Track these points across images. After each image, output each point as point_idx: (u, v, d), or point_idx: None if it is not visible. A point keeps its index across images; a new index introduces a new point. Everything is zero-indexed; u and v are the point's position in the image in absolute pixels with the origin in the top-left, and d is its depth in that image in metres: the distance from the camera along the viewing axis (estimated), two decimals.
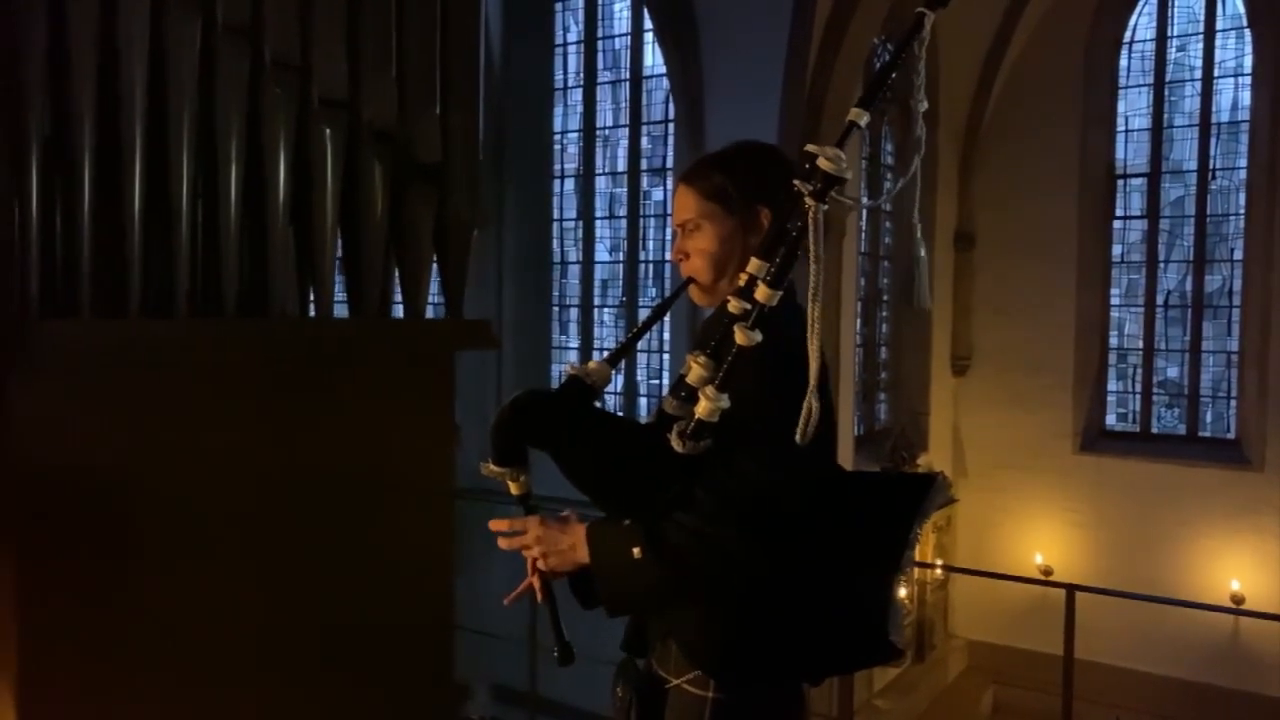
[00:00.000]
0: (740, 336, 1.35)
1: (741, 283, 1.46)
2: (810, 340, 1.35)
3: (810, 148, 1.38)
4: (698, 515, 1.37)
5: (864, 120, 1.42)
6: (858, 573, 1.48)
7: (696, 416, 1.37)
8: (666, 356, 8.19)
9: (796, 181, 1.37)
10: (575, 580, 1.56)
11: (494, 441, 1.52)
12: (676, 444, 1.37)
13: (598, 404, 1.60)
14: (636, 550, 1.39)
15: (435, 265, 3.29)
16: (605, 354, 1.67)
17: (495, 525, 1.58)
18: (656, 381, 8.22)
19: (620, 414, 1.73)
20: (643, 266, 8.45)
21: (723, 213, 1.57)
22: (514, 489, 1.57)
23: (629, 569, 1.41)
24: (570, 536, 1.51)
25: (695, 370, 1.42)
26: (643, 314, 8.51)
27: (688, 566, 1.38)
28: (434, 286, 3.47)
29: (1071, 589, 3.26)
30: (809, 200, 1.34)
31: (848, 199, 1.36)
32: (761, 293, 1.36)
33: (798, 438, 1.34)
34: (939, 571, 8.62)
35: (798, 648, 1.49)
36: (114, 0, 2.44)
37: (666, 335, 8.19)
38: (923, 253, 1.85)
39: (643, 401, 8.30)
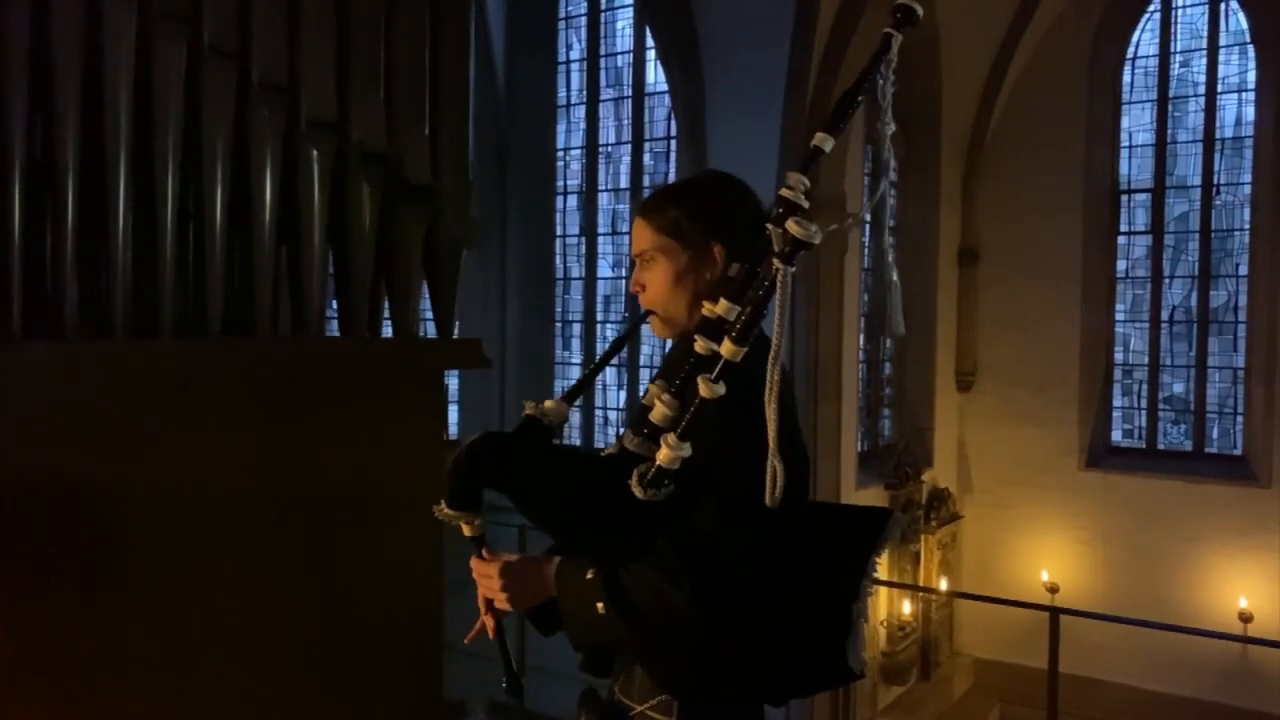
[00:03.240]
0: (704, 389, 1.35)
1: (706, 312, 1.47)
2: (768, 403, 1.34)
3: (785, 192, 1.37)
4: (656, 572, 1.39)
5: (828, 145, 1.42)
6: (818, 602, 1.49)
7: (657, 463, 1.37)
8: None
9: (769, 225, 1.36)
10: (532, 610, 1.58)
11: (450, 485, 1.51)
12: (637, 490, 1.37)
13: (556, 441, 1.61)
14: (600, 606, 1.41)
15: (427, 284, 3.29)
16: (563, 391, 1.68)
17: (476, 565, 1.59)
18: None
19: (578, 448, 1.76)
20: None
21: (677, 247, 1.57)
22: (467, 531, 1.55)
23: (595, 623, 1.43)
24: (538, 581, 1.53)
25: (659, 409, 1.43)
26: (645, 330, 8.51)
27: (647, 625, 1.40)
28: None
29: (1056, 612, 3.24)
30: (777, 263, 1.33)
31: (814, 240, 1.33)
32: (726, 348, 1.36)
33: (767, 500, 1.34)
34: (941, 589, 8.56)
35: (761, 672, 1.50)
36: (100, 21, 2.46)
37: (666, 346, 8.19)
38: (894, 277, 1.80)
39: None
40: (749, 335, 1.36)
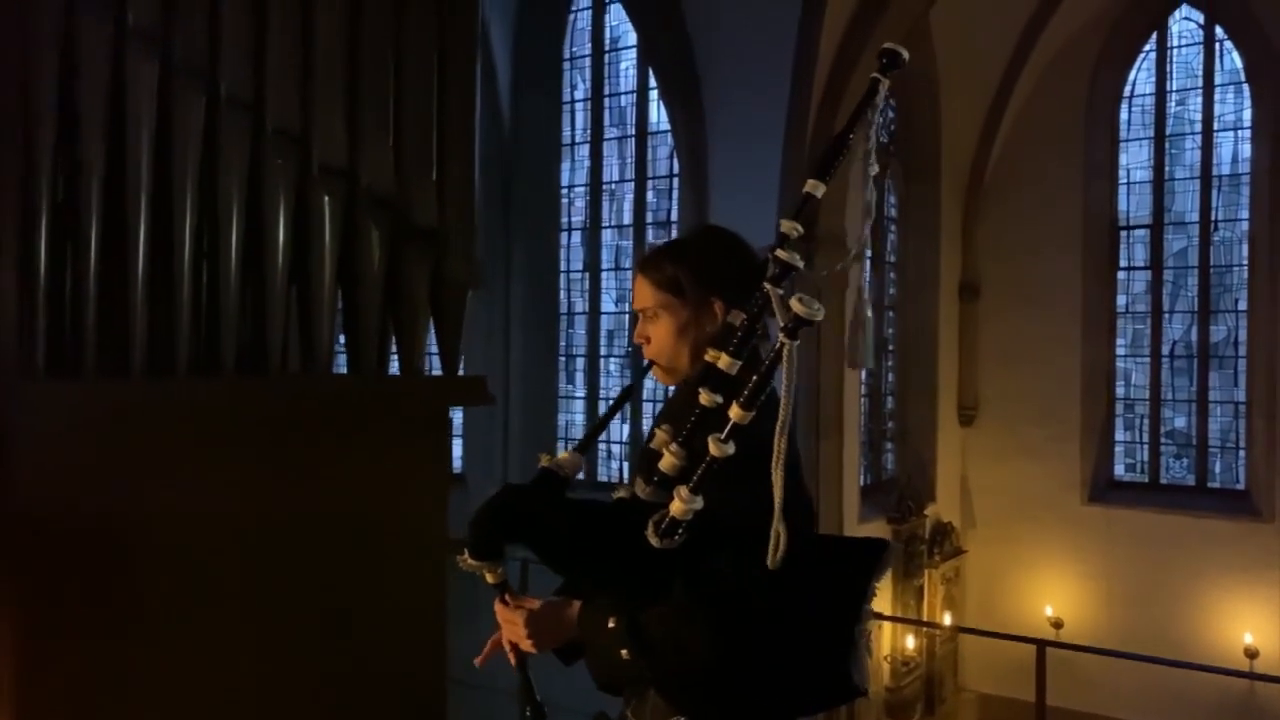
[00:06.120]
0: (714, 448, 1.41)
1: (710, 358, 1.53)
2: (774, 471, 1.39)
3: (780, 254, 1.43)
4: (677, 620, 1.46)
5: (819, 191, 1.48)
6: (823, 628, 1.58)
7: (670, 515, 1.44)
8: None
9: (768, 285, 1.43)
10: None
11: (472, 538, 1.59)
12: (653, 539, 1.44)
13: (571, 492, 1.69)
14: (624, 652, 1.49)
15: (433, 323, 3.37)
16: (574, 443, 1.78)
17: (501, 611, 1.68)
18: None
19: (591, 500, 1.83)
20: None
21: (677, 303, 1.65)
22: (490, 578, 1.64)
23: (619, 665, 1.51)
24: (561, 627, 1.61)
25: (668, 459, 1.50)
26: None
27: (669, 666, 1.48)
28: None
29: (1042, 645, 3.28)
30: (783, 338, 1.38)
31: (817, 317, 1.36)
32: (735, 413, 1.41)
33: (769, 563, 1.40)
34: (945, 624, 8.54)
35: (771, 692, 1.58)
36: (122, 73, 2.56)
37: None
38: (869, 313, 1.87)
39: None
40: (756, 401, 1.42)
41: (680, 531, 1.44)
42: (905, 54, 1.51)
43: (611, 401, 2.02)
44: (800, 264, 1.45)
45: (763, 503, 1.42)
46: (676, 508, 1.43)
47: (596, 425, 1.84)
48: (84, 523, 2.51)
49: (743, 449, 1.42)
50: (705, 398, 1.49)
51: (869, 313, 1.63)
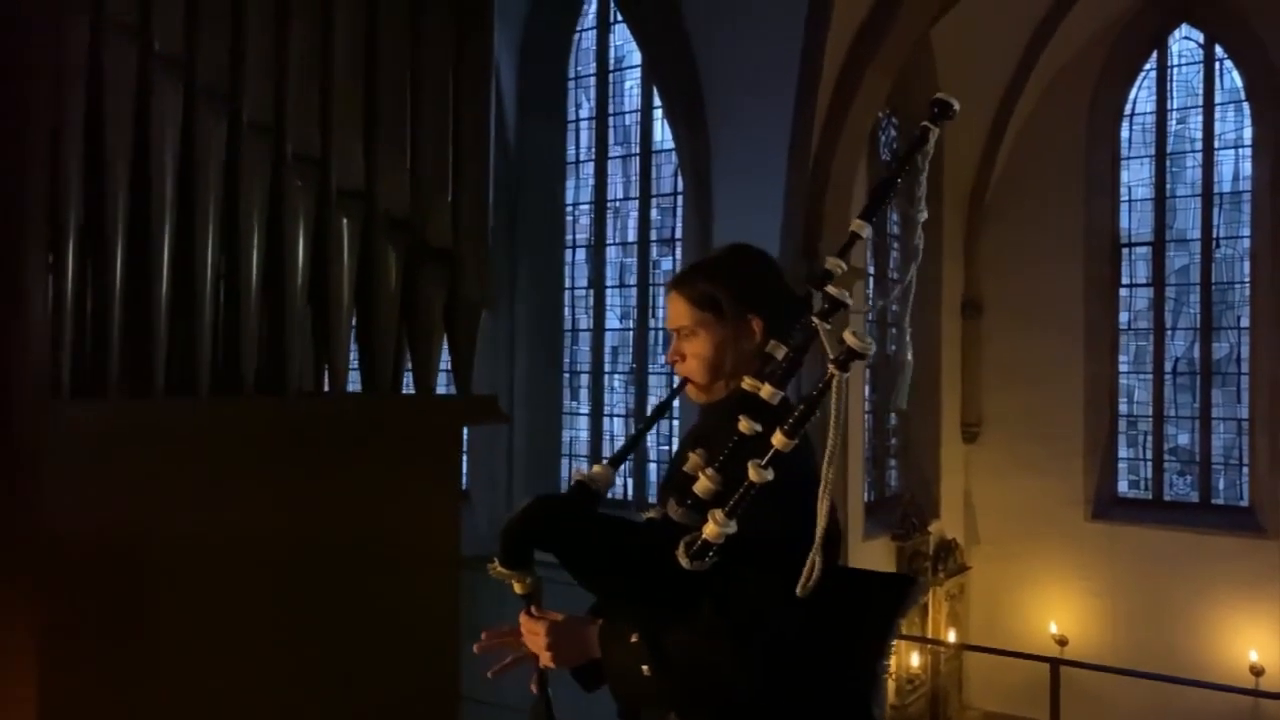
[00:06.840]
0: (753, 474, 1.42)
1: (748, 387, 1.55)
2: (821, 499, 1.41)
3: (831, 289, 1.44)
4: (700, 638, 1.47)
5: (865, 232, 1.51)
6: (847, 661, 1.60)
7: (703, 537, 1.45)
8: (675, 423, 8.28)
9: (815, 320, 1.45)
10: (576, 668, 1.67)
11: (503, 546, 1.60)
12: (683, 561, 1.46)
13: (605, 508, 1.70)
14: (646, 669, 1.49)
15: (446, 343, 3.41)
16: (608, 458, 1.77)
17: (525, 621, 1.68)
18: (666, 447, 8.29)
19: (623, 517, 1.84)
20: (652, 334, 8.60)
21: (715, 321, 1.66)
22: (518, 588, 1.64)
23: (639, 681, 1.51)
24: (583, 642, 1.61)
25: (704, 483, 1.51)
26: (653, 380, 8.69)
27: (690, 685, 1.49)
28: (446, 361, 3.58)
29: (1056, 663, 3.29)
30: (832, 369, 1.39)
31: (869, 351, 1.39)
32: (779, 440, 1.43)
33: (798, 591, 1.41)
34: (949, 641, 8.53)
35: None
36: (148, 99, 2.61)
37: (676, 402, 8.27)
38: (909, 356, 1.90)
39: (652, 468, 8.37)
40: (801, 429, 1.44)
41: (711, 554, 1.45)
42: (956, 104, 1.54)
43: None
44: (849, 300, 1.46)
45: (794, 530, 1.44)
46: (710, 530, 1.44)
47: (629, 441, 1.86)
48: (106, 537, 2.54)
49: (780, 476, 1.43)
50: (745, 425, 1.51)
51: (909, 356, 1.65)
